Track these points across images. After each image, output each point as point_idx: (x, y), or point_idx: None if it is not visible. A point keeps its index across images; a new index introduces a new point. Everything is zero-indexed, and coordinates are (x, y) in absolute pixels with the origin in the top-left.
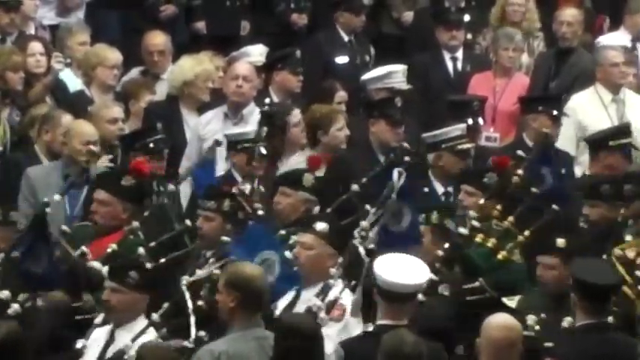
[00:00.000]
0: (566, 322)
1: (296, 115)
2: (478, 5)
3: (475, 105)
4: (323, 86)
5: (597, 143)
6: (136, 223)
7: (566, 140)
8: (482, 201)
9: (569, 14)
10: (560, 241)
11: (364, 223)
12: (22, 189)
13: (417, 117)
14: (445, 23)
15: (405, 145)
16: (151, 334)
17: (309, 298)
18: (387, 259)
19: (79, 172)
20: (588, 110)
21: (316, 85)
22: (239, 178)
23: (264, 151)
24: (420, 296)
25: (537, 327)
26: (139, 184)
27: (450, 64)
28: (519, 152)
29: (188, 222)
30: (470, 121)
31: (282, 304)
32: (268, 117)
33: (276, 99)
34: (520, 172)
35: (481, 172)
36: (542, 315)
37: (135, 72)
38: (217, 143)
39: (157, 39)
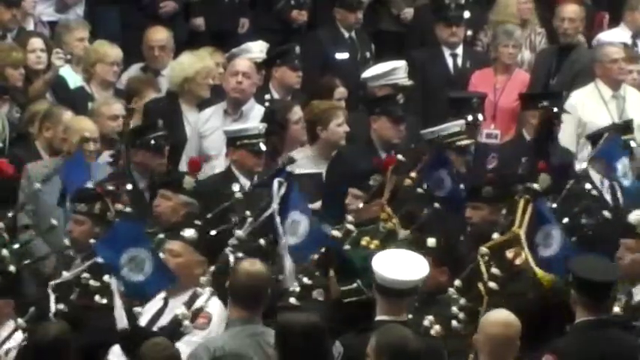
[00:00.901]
0: (427, 320)
1: (296, 111)
2: (478, 2)
3: (475, 102)
4: (323, 82)
5: (597, 140)
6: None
7: (566, 137)
8: (361, 204)
9: (571, 10)
10: (431, 241)
11: (239, 233)
12: (21, 185)
13: (416, 113)
14: (445, 20)
15: (291, 155)
16: (18, 339)
17: (176, 306)
18: (385, 255)
19: None
20: (588, 107)
21: (316, 82)
22: (239, 175)
23: (263, 147)
24: (293, 300)
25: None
26: (2, 185)
27: (450, 61)
28: (399, 156)
29: (54, 222)
30: (470, 118)
31: (148, 312)
32: (269, 114)
33: (276, 95)
34: (413, 174)
35: (367, 174)
36: (409, 315)
37: (135, 68)
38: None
39: (159, 34)
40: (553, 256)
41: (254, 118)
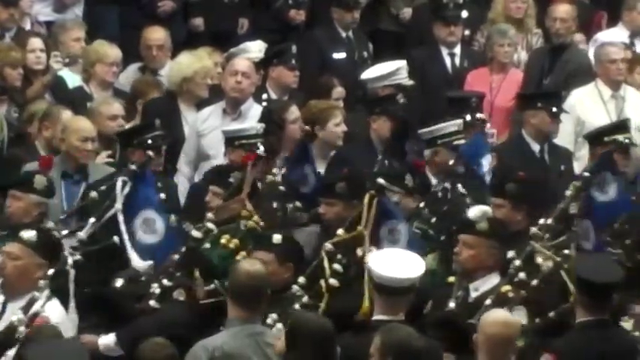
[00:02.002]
0: (271, 319)
1: (293, 111)
2: (476, 2)
3: (473, 101)
4: (320, 82)
5: (593, 139)
6: None
7: (565, 136)
8: (218, 202)
9: (563, 10)
10: (276, 237)
11: (80, 234)
12: None
13: (415, 113)
14: (443, 19)
15: (150, 153)
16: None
17: (14, 311)
18: (382, 254)
19: (77, 169)
20: (587, 106)
21: (314, 81)
22: None
23: (261, 147)
24: (153, 303)
25: None
26: None
27: (447, 60)
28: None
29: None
30: (468, 118)
31: None
32: (266, 113)
33: (273, 95)
34: (275, 170)
35: (227, 171)
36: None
37: (133, 68)
38: None
39: (157, 34)
40: None
41: (253, 118)
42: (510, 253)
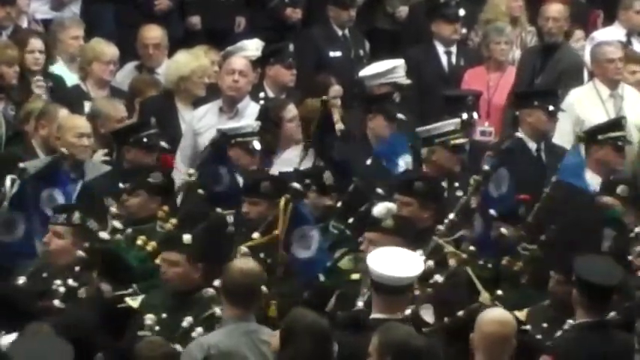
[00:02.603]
0: (186, 322)
1: (290, 110)
2: (469, 0)
3: (470, 100)
4: (317, 80)
5: (587, 137)
6: None
7: (563, 135)
8: (132, 201)
9: (555, 10)
10: (186, 238)
11: None
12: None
13: (412, 111)
14: (445, 17)
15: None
16: None
17: None
18: (380, 252)
19: (74, 167)
20: (586, 105)
21: (310, 80)
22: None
23: (258, 146)
24: (57, 302)
25: (157, 327)
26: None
27: (444, 59)
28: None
29: None
30: (464, 116)
31: None
32: (263, 112)
33: (270, 93)
34: (191, 171)
35: (148, 171)
36: (164, 315)
37: (130, 67)
38: None
39: (153, 32)
40: (308, 259)
41: (249, 116)
42: (418, 252)
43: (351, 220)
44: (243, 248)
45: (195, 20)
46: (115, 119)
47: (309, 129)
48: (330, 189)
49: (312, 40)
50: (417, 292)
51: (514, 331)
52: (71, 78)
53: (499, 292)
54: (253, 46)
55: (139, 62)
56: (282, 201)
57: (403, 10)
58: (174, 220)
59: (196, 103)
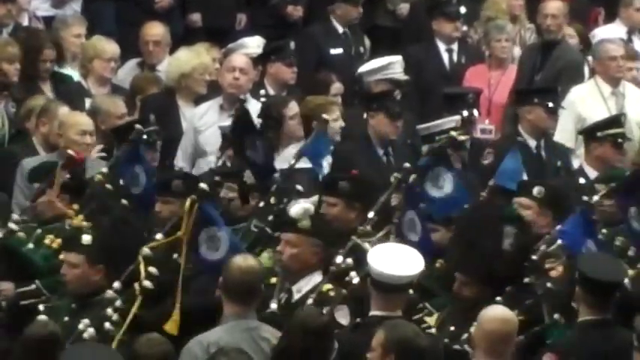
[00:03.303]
0: (83, 324)
1: (292, 107)
2: None
3: (470, 97)
4: (318, 78)
5: (587, 134)
6: None
7: (564, 133)
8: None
9: (554, 7)
10: (85, 238)
11: None
12: (17, 180)
13: (413, 109)
14: (447, 15)
15: None
16: None
17: None
18: (380, 249)
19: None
20: (587, 103)
21: (311, 77)
22: None
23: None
24: None
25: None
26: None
27: (445, 56)
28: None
29: None
30: (465, 113)
31: None
32: (265, 109)
33: (271, 91)
34: (105, 170)
35: (48, 168)
36: (65, 318)
37: (131, 64)
38: None
39: (155, 29)
40: (218, 260)
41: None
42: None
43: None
44: (146, 250)
45: (196, 17)
46: (114, 116)
47: (309, 127)
48: (252, 188)
49: (313, 37)
50: (331, 293)
51: (516, 328)
52: (73, 75)
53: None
54: (254, 44)
55: (140, 59)
56: (188, 202)
57: (404, 8)
58: (80, 217)
59: (197, 100)
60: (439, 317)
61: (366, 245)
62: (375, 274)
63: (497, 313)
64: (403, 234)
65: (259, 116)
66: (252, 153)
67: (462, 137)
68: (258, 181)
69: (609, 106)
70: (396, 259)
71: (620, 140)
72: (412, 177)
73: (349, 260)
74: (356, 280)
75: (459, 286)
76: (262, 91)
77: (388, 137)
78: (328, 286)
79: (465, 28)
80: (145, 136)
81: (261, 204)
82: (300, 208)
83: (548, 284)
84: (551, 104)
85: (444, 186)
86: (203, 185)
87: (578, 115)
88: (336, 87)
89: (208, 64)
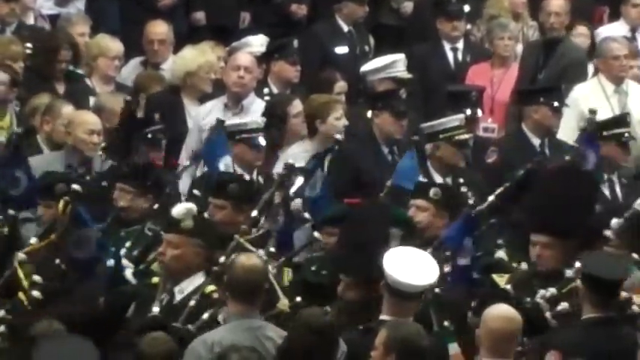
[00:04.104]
0: None
1: (296, 105)
2: None
3: (473, 95)
4: (323, 76)
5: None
6: None
7: (568, 130)
8: None
9: (557, 4)
10: None
11: None
12: None
13: (417, 107)
14: (446, 14)
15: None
16: None
17: None
18: (396, 255)
19: (82, 162)
20: (591, 101)
21: (316, 76)
22: (238, 169)
23: (263, 141)
24: None
25: None
26: None
27: (450, 55)
28: None
29: None
30: (468, 112)
31: None
32: (269, 107)
33: (274, 89)
34: None
35: None
36: None
37: (135, 62)
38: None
39: (159, 28)
40: (90, 260)
41: (255, 112)
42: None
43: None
44: (21, 255)
45: (200, 16)
46: (115, 113)
47: (313, 125)
48: (148, 190)
49: (318, 36)
50: (215, 296)
51: (520, 327)
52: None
53: (298, 298)
54: (258, 42)
55: (143, 58)
56: (61, 204)
57: (408, 6)
58: None
59: (202, 99)
60: None
61: (249, 245)
62: (391, 282)
63: (501, 312)
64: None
65: (263, 114)
66: (138, 154)
67: (466, 135)
68: (142, 182)
69: (612, 104)
70: (412, 267)
71: (625, 139)
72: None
73: None
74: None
75: (344, 289)
76: (266, 90)
77: (393, 136)
78: (211, 287)
79: (468, 26)
80: (149, 136)
81: (156, 206)
82: (182, 208)
83: (437, 290)
84: (556, 103)
85: (316, 186)
86: (76, 187)
87: (581, 113)
88: (340, 85)
89: (214, 63)
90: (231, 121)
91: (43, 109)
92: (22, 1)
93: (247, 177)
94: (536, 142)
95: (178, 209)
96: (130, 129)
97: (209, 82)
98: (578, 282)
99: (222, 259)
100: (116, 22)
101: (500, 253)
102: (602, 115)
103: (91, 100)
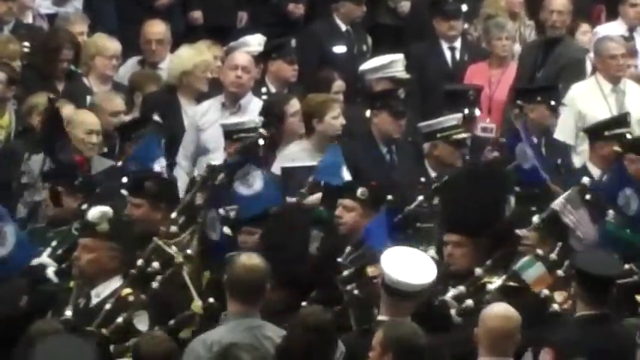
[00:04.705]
0: None
1: (293, 104)
2: None
3: (471, 95)
4: (320, 76)
5: (593, 133)
6: None
7: (565, 130)
8: None
9: (560, 3)
10: None
11: None
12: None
13: (415, 107)
14: (444, 13)
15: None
16: None
17: None
18: (394, 255)
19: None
20: (588, 100)
21: (313, 75)
22: None
23: (261, 141)
24: None
25: None
26: None
27: (448, 54)
28: None
29: None
30: (466, 111)
31: None
32: (266, 106)
33: (272, 89)
34: None
35: None
36: None
37: (132, 62)
38: None
39: (156, 28)
40: (3, 257)
41: (252, 112)
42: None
43: None
44: None
45: (197, 15)
46: (107, 112)
47: (311, 124)
48: (78, 190)
49: (315, 35)
50: (130, 299)
51: (519, 326)
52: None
53: (211, 300)
54: (255, 42)
55: (141, 57)
56: None
57: (405, 5)
58: None
59: (199, 98)
60: None
61: (169, 248)
62: (389, 281)
63: (499, 311)
64: (205, 233)
65: (260, 114)
66: (63, 154)
67: (463, 135)
68: (67, 181)
69: (610, 103)
70: (410, 266)
71: (626, 140)
72: (220, 176)
73: (156, 264)
74: (156, 285)
75: (267, 291)
76: (264, 89)
77: (391, 136)
78: (127, 290)
79: (465, 25)
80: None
81: (84, 206)
82: (97, 211)
83: (355, 291)
84: (553, 102)
85: (254, 184)
86: None
87: (578, 112)
88: (338, 85)
89: (210, 62)
90: (228, 120)
91: (42, 110)
92: (20, 0)
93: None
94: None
95: (93, 212)
96: (52, 130)
97: (205, 82)
98: (487, 279)
99: (139, 261)
100: (114, 22)
101: (431, 252)
102: (600, 114)
103: (88, 100)
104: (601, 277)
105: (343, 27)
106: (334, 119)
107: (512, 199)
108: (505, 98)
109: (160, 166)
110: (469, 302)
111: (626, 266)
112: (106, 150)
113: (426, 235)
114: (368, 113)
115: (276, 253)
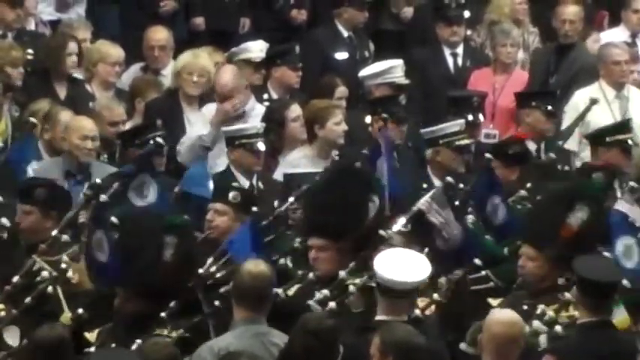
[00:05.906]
0: None
1: (294, 110)
2: (476, 1)
3: (475, 101)
4: (323, 82)
5: (595, 139)
6: None
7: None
8: None
9: (571, 12)
10: None
11: None
12: None
13: (417, 113)
14: (446, 19)
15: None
16: None
17: None
18: (387, 254)
19: (79, 168)
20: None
21: (316, 81)
22: (238, 174)
23: (262, 146)
24: None
25: None
26: None
27: (450, 60)
28: None
29: None
30: (470, 117)
31: None
32: (267, 112)
33: (274, 95)
34: None
35: None
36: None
37: (135, 68)
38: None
39: (159, 34)
40: None
41: (255, 118)
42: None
43: None
44: None
45: (200, 21)
46: (107, 121)
47: (313, 130)
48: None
49: (318, 41)
50: (2, 314)
51: (522, 331)
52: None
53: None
54: (257, 48)
55: (144, 64)
56: None
57: (407, 11)
58: None
59: (202, 104)
60: (100, 332)
61: (45, 265)
62: (381, 280)
63: (503, 317)
64: (91, 254)
65: (262, 120)
66: None
67: (467, 141)
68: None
69: (613, 109)
70: (402, 265)
71: (628, 145)
72: (102, 196)
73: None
74: (28, 300)
75: (122, 301)
76: (265, 95)
77: (394, 142)
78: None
79: (469, 32)
80: (151, 142)
81: None
82: None
83: (216, 302)
84: (549, 107)
85: (148, 195)
86: None
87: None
88: (341, 90)
89: (204, 66)
90: (230, 126)
91: (43, 116)
92: (24, 7)
93: (247, 183)
94: (532, 146)
95: None
96: None
97: (191, 84)
98: (350, 281)
99: (15, 278)
100: (116, 28)
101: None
102: (603, 120)
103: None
104: (602, 284)
105: (345, 33)
106: (336, 125)
107: (377, 199)
108: (508, 104)
109: (32, 169)
110: (332, 305)
111: (482, 273)
112: (106, 156)
113: (283, 243)
114: (368, 119)
115: (129, 261)
